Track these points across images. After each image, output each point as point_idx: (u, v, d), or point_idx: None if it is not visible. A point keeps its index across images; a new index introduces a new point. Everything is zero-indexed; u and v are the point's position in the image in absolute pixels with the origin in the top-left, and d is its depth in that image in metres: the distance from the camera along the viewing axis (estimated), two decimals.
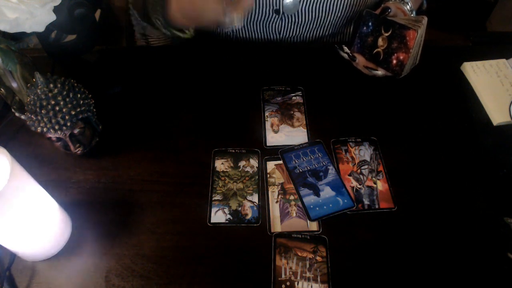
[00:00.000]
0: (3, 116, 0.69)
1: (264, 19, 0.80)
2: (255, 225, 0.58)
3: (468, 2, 1.78)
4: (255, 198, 0.61)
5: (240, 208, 0.59)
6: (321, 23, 0.82)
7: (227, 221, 0.58)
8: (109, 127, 0.67)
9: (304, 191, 0.61)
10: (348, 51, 0.72)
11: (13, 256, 0.55)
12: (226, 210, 0.59)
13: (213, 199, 0.60)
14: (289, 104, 0.72)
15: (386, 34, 0.69)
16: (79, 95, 0.58)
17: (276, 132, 0.68)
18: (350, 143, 0.67)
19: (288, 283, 0.53)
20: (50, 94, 0.56)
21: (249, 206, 0.60)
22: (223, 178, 0.62)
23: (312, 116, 0.70)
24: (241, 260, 0.55)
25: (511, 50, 0.79)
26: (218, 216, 0.59)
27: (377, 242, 0.57)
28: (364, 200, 0.60)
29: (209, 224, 0.58)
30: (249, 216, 0.59)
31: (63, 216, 0.56)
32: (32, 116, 0.56)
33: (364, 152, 0.66)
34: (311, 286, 0.53)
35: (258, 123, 0.69)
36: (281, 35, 0.84)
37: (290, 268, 0.54)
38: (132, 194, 0.61)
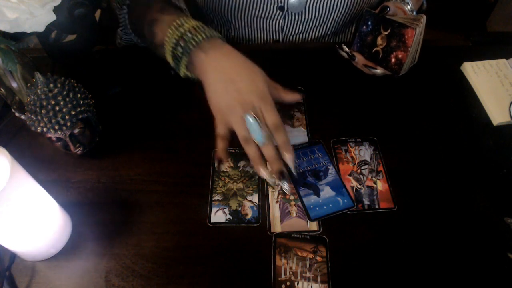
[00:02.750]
0: (3, 116, 0.69)
1: (267, 15, 0.80)
2: (255, 225, 0.58)
3: (468, 2, 1.78)
4: (255, 198, 0.61)
5: (240, 208, 0.59)
6: (324, 20, 0.82)
7: (227, 221, 0.58)
8: (109, 127, 0.67)
9: (304, 191, 0.61)
10: (348, 50, 0.73)
11: (13, 256, 0.55)
12: (226, 210, 0.59)
13: (213, 199, 0.60)
14: (289, 104, 0.71)
15: (385, 33, 0.69)
16: (79, 95, 0.58)
17: None
18: (350, 143, 0.67)
19: (288, 283, 0.53)
20: (50, 94, 0.56)
21: (249, 206, 0.60)
22: (223, 178, 0.62)
23: (312, 116, 0.70)
24: (241, 260, 0.55)
25: (511, 50, 0.79)
26: (218, 216, 0.59)
27: (377, 242, 0.57)
28: (364, 200, 0.60)
29: (209, 224, 0.58)
30: (249, 216, 0.59)
31: (63, 216, 0.56)
32: (32, 116, 0.56)
33: (364, 152, 0.66)
34: (311, 286, 0.53)
35: None
36: (283, 33, 0.84)
37: (290, 268, 0.54)
38: (132, 194, 0.61)
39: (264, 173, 0.55)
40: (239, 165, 0.64)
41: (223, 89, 0.57)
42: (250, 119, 0.54)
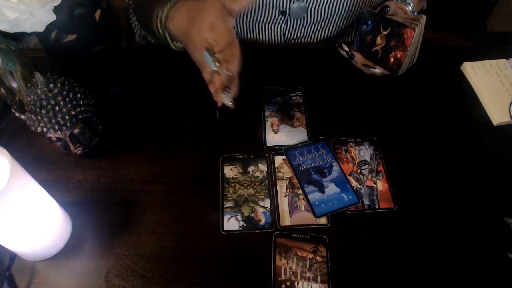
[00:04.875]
0: (3, 116, 0.69)
1: (269, 20, 0.80)
2: (269, 230, 0.57)
3: (468, 2, 1.78)
4: (267, 203, 0.60)
5: (253, 214, 0.59)
6: (326, 24, 0.82)
7: (241, 228, 0.58)
8: (109, 127, 0.67)
9: (309, 188, 0.61)
10: (347, 49, 0.73)
11: (13, 256, 0.55)
12: (239, 217, 0.59)
13: (224, 206, 0.60)
14: (289, 104, 0.72)
15: (385, 33, 0.69)
16: (79, 95, 0.58)
17: (276, 132, 0.68)
18: (350, 143, 0.67)
19: (288, 283, 0.53)
20: (50, 94, 0.56)
21: (261, 211, 0.59)
22: (233, 185, 0.62)
23: (312, 116, 0.70)
24: (241, 260, 0.55)
25: (511, 50, 0.79)
26: (231, 223, 0.58)
27: (377, 242, 0.57)
28: (364, 200, 0.60)
29: (222, 232, 0.57)
30: (262, 222, 0.58)
31: (63, 216, 0.56)
32: (32, 116, 0.56)
33: (364, 152, 0.66)
34: (311, 286, 0.53)
35: (258, 123, 0.69)
36: (285, 37, 0.85)
37: (290, 268, 0.54)
38: (132, 194, 0.61)
39: (225, 98, 0.59)
40: (248, 170, 0.63)
41: (187, 39, 0.62)
42: (205, 54, 0.59)
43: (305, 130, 0.68)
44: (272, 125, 0.69)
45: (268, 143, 0.67)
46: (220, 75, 0.59)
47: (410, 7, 0.72)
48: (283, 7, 0.77)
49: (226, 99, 0.60)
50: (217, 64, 0.59)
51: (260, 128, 0.69)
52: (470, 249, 0.56)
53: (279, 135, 0.68)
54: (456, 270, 0.54)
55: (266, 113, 0.70)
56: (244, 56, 0.84)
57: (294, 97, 0.73)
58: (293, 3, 0.76)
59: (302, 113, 0.71)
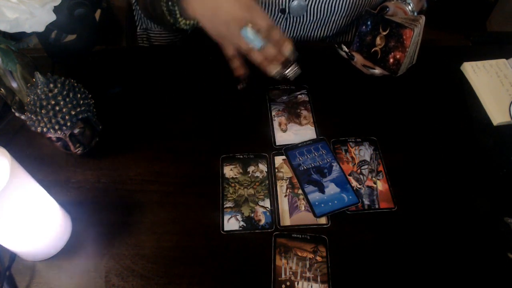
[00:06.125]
0: (3, 116, 0.69)
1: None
2: (269, 230, 0.57)
3: (468, 2, 1.78)
4: (267, 203, 0.60)
5: (253, 214, 0.59)
6: (325, 22, 0.82)
7: (240, 228, 0.58)
8: (109, 127, 0.67)
9: (309, 188, 0.61)
10: (347, 50, 0.73)
11: (13, 256, 0.55)
12: (239, 217, 0.59)
13: (224, 206, 0.60)
14: (295, 103, 0.72)
15: (384, 33, 0.69)
16: (79, 95, 0.58)
17: (284, 131, 0.68)
18: (350, 143, 0.67)
19: (288, 283, 0.53)
20: (50, 94, 0.56)
21: (261, 211, 0.59)
22: (233, 185, 0.62)
23: (318, 114, 0.70)
24: (241, 260, 0.55)
25: (511, 50, 0.79)
26: (231, 223, 0.58)
27: (377, 242, 0.57)
28: (364, 200, 0.60)
29: (222, 232, 0.57)
30: (262, 222, 0.58)
31: (63, 216, 0.56)
32: (32, 116, 0.56)
33: (364, 152, 0.66)
34: (311, 286, 0.53)
35: (265, 123, 0.69)
36: (285, 36, 0.84)
37: (290, 268, 0.54)
38: (132, 194, 0.61)
39: (274, 69, 0.62)
40: (248, 170, 0.63)
41: (213, 15, 0.62)
42: (246, 32, 0.60)
43: (313, 128, 0.68)
44: (280, 125, 0.69)
45: (278, 143, 0.66)
46: (263, 51, 0.61)
47: (409, 7, 0.72)
48: (282, 5, 0.77)
49: (274, 71, 0.62)
50: (262, 40, 0.60)
51: (268, 128, 0.68)
52: (470, 249, 0.56)
53: (287, 134, 0.68)
54: (456, 270, 0.54)
55: (273, 113, 0.70)
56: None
57: (299, 95, 0.73)
58: (293, 1, 0.76)
59: (308, 111, 0.71)
